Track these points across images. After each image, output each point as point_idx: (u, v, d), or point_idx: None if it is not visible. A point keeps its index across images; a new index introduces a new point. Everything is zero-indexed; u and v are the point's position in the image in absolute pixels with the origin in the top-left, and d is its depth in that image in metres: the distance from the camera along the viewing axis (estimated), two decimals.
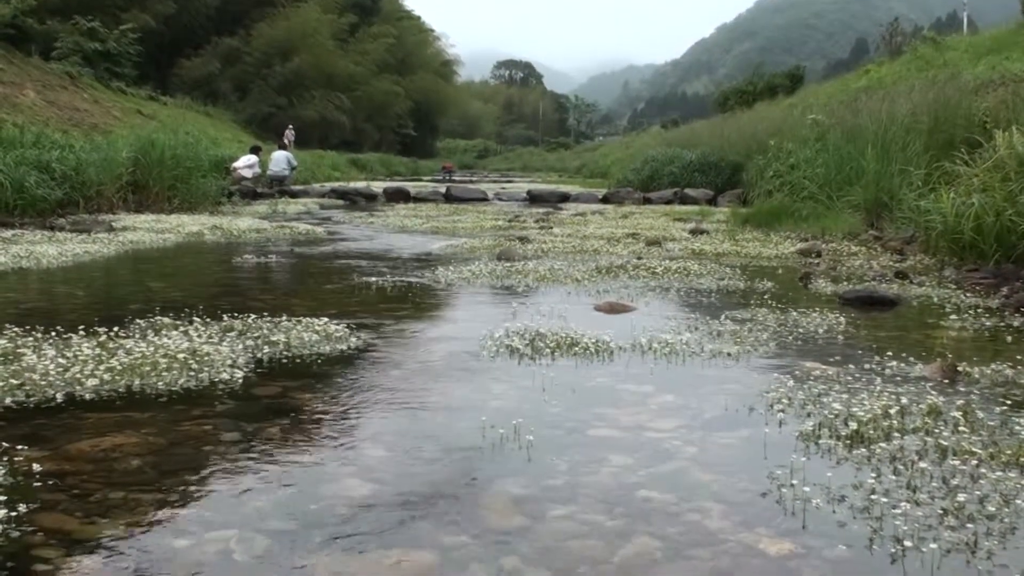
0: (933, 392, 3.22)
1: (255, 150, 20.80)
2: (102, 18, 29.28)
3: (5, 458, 2.46)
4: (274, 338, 4.04)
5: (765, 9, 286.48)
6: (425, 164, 54.70)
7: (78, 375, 3.27)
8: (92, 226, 9.85)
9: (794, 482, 2.36)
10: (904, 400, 3.10)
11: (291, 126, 32.29)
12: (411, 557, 1.96)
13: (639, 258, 7.81)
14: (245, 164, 19.32)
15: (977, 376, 3.62)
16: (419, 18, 68.31)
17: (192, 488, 2.35)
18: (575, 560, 1.96)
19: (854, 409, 2.96)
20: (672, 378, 3.65)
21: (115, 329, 4.00)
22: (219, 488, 2.35)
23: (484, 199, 19.67)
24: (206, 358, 3.58)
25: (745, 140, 18.64)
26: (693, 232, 10.66)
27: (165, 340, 3.78)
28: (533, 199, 19.79)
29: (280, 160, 20.77)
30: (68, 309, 5.13)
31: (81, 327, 4.01)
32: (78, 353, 3.53)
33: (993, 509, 2.17)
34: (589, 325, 4.52)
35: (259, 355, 3.81)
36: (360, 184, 23.39)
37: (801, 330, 4.63)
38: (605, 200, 19.17)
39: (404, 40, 58.65)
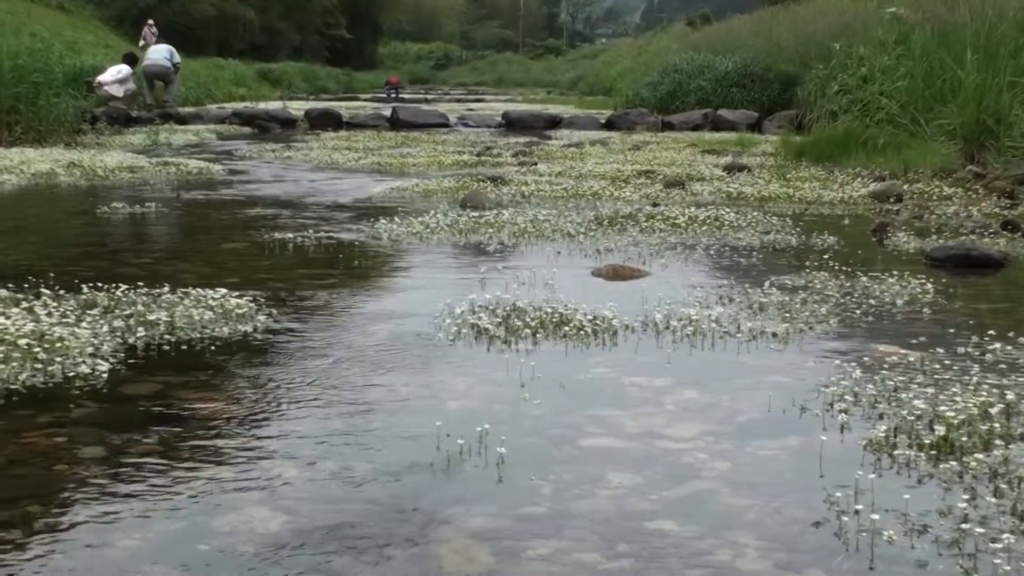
0: None
1: (129, 59, 20.55)
2: None
3: None
4: (152, 317, 4.02)
5: None
6: (363, 78, 54.36)
7: None
8: None
9: (859, 507, 2.38)
10: (1010, 395, 3.12)
11: (151, 21, 30.12)
12: None
13: (655, 205, 7.81)
14: (114, 78, 19.13)
15: None
16: None
17: (39, 521, 2.34)
18: None
19: (942, 408, 2.98)
20: (697, 368, 3.67)
21: None
22: (76, 521, 2.34)
23: (444, 125, 19.60)
24: (58, 345, 3.55)
25: (801, 43, 18.60)
26: (729, 169, 10.68)
27: (1, 320, 3.74)
28: (511, 125, 19.73)
29: (160, 50, 21.09)
30: None
31: None
32: None
33: None
34: (585, 296, 4.53)
35: (132, 340, 3.79)
36: (274, 105, 23.21)
37: (873, 301, 4.66)
38: (609, 126, 19.15)
39: None
